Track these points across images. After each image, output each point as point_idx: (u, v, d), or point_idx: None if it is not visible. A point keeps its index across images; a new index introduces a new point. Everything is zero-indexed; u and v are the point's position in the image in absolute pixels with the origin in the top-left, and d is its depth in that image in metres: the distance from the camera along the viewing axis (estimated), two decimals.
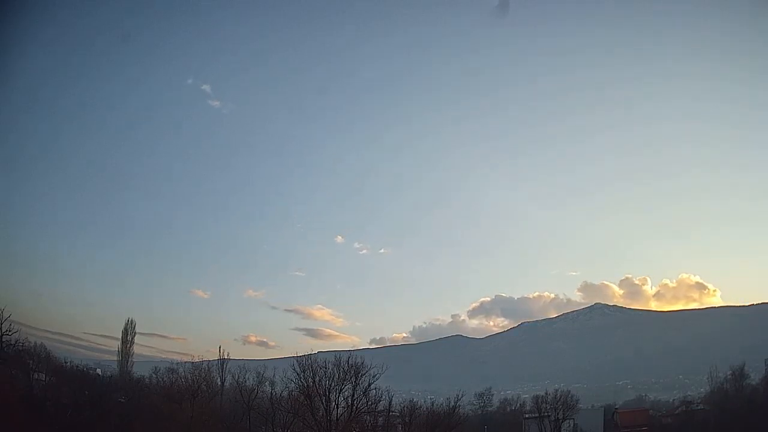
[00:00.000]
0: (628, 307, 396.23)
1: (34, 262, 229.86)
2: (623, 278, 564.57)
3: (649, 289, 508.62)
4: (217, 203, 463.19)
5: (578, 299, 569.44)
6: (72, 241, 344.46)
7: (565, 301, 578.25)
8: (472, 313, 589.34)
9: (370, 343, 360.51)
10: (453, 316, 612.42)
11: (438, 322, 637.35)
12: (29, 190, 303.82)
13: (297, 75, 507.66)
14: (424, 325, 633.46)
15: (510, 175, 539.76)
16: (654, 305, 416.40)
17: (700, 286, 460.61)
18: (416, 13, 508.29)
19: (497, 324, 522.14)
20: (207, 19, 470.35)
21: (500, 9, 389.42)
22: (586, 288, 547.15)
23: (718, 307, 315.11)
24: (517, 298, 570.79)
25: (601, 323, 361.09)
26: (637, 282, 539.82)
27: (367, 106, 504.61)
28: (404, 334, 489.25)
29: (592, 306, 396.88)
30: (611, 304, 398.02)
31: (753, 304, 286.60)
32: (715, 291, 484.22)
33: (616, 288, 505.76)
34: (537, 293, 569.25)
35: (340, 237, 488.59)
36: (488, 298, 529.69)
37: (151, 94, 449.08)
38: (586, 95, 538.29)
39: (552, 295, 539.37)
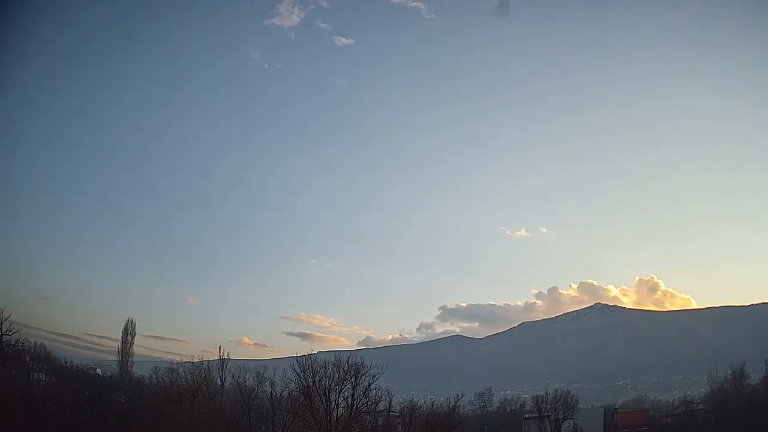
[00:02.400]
0: (628, 307, 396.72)
1: (34, 263, 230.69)
2: (582, 283, 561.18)
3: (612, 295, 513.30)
4: (215, 205, 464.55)
5: (539, 304, 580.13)
6: (72, 241, 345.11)
7: (522, 306, 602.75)
8: (440, 318, 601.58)
9: (358, 345, 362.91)
10: (421, 323, 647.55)
11: (407, 329, 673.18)
12: (30, 190, 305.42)
13: (293, 75, 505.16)
14: (397, 332, 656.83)
15: (468, 193, 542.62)
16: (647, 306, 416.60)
17: (656, 288, 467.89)
18: (413, 13, 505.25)
19: (462, 328, 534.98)
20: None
21: (500, 9, 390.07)
22: (540, 296, 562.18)
23: (718, 307, 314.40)
24: (485, 305, 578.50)
25: (601, 323, 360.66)
26: (597, 285, 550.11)
27: (338, 125, 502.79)
28: (390, 337, 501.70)
29: (592, 306, 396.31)
30: (611, 304, 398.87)
31: (753, 304, 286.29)
32: (673, 292, 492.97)
33: (575, 294, 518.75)
34: (504, 302, 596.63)
35: (314, 260, 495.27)
36: (450, 306, 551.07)
37: (152, 95, 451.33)
38: (563, 104, 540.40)
39: (510, 303, 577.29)
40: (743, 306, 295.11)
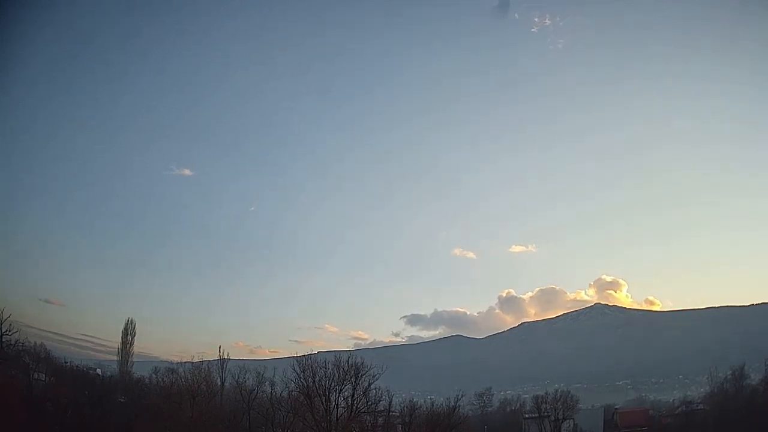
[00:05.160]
0: (628, 307, 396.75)
1: (35, 264, 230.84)
2: (539, 290, 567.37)
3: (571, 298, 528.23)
4: (213, 211, 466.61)
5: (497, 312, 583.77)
6: (72, 241, 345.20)
7: (477, 314, 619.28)
8: (407, 324, 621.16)
9: (348, 347, 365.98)
10: (394, 331, 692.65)
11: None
12: (30, 190, 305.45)
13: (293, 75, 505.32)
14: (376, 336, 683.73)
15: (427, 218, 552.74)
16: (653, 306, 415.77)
17: (615, 284, 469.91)
18: (409, 12, 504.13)
19: (432, 335, 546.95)
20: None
21: (500, 9, 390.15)
22: (491, 308, 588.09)
23: (718, 307, 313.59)
24: (446, 311, 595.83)
25: (601, 323, 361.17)
26: (555, 288, 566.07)
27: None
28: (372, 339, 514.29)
29: (592, 306, 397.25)
30: (611, 304, 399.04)
31: (753, 304, 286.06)
32: (626, 297, 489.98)
33: (528, 299, 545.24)
34: (465, 310, 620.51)
35: (300, 271, 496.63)
36: (415, 314, 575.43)
37: (152, 95, 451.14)
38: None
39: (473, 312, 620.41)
40: (743, 306, 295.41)
